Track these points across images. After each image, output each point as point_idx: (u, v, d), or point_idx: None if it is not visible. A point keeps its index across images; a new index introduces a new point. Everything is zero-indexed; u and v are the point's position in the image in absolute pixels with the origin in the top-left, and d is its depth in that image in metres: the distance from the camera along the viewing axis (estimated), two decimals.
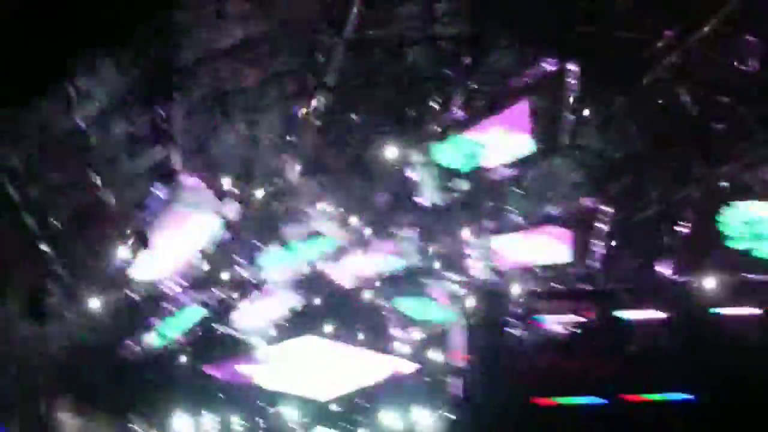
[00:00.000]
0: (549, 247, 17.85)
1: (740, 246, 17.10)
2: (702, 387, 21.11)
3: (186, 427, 23.10)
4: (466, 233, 17.67)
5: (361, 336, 22.85)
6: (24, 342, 15.73)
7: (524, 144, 14.61)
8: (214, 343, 21.91)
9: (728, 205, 16.08)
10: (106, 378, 20.27)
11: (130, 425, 22.18)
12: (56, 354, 16.80)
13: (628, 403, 21.50)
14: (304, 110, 14.23)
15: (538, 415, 21.46)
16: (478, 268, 18.80)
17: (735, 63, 13.21)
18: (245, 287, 18.44)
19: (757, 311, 21.38)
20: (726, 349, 20.93)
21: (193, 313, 18.70)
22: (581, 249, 17.76)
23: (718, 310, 21.07)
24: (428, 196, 15.87)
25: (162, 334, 18.38)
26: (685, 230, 17.15)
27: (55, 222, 14.37)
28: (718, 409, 20.73)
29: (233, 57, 13.42)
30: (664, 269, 18.44)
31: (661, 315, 21.50)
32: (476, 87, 14.43)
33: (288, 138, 14.75)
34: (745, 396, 20.71)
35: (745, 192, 16.03)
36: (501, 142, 14.62)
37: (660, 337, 21.40)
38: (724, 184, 16.00)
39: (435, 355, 22.68)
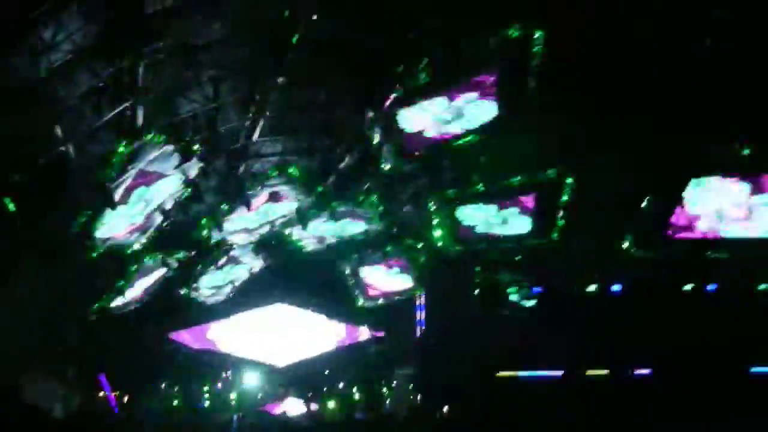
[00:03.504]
0: (512, 218, 17.90)
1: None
2: (658, 361, 21.46)
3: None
4: (429, 201, 17.69)
5: (322, 303, 22.96)
6: None
7: (489, 112, 14.58)
8: (177, 308, 21.93)
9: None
10: (75, 343, 20.26)
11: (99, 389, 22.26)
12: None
13: (587, 375, 21.79)
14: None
15: (498, 388, 21.67)
16: (440, 237, 18.82)
17: None
18: (209, 249, 18.42)
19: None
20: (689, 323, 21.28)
21: (155, 274, 18.69)
22: (543, 220, 17.75)
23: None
24: (391, 161, 15.80)
25: (122, 292, 18.27)
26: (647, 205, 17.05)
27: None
28: (673, 383, 21.06)
29: (201, 11, 13.24)
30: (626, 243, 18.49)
31: (618, 288, 21.81)
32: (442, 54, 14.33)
33: (254, 98, 14.65)
34: (699, 370, 21.08)
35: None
36: (466, 110, 14.60)
37: (619, 310, 21.68)
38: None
39: (397, 325, 22.85)
